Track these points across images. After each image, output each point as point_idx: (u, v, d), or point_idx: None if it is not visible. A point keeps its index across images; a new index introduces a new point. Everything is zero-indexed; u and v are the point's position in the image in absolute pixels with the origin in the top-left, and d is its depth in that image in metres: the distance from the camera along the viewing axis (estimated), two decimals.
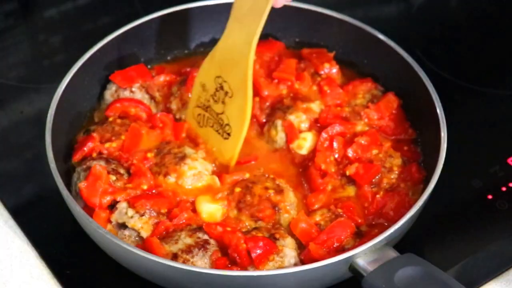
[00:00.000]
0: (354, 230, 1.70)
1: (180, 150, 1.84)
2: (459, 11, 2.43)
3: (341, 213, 1.74)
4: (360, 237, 1.69)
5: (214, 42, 2.07)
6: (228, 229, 1.68)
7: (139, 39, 2.04)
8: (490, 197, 1.86)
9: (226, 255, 1.65)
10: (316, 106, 1.93)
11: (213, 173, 1.84)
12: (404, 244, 1.68)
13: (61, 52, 2.27)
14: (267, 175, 1.81)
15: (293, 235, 1.71)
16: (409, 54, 1.93)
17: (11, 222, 1.85)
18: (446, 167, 1.70)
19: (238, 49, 1.77)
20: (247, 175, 1.81)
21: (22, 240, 1.82)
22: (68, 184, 1.78)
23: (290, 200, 1.77)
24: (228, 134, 1.83)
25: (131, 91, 1.96)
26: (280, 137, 1.90)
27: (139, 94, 1.96)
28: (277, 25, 2.09)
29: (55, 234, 1.82)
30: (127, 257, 1.63)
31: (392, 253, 1.58)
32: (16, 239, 1.82)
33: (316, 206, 1.78)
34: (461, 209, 1.86)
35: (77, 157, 1.82)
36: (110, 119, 1.90)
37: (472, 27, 2.34)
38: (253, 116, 1.95)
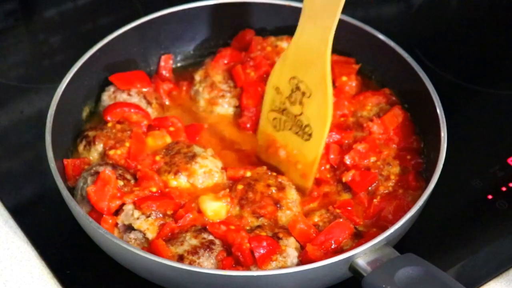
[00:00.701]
0: (352, 231, 1.69)
1: (189, 149, 1.83)
2: (459, 11, 2.43)
3: (339, 214, 1.73)
4: (359, 237, 1.68)
5: (215, 41, 2.09)
6: (232, 227, 1.68)
7: (140, 39, 2.04)
8: (490, 197, 1.86)
9: (232, 254, 1.65)
10: None
11: (222, 169, 1.84)
12: (404, 244, 1.68)
13: (61, 52, 2.27)
14: (270, 173, 1.81)
15: None
16: (409, 54, 1.93)
17: (11, 222, 1.85)
18: (446, 167, 1.70)
19: (313, 47, 1.71)
20: (248, 174, 1.81)
21: (22, 240, 1.82)
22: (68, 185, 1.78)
23: (292, 197, 1.77)
24: (309, 135, 1.77)
25: (129, 94, 1.95)
26: None
27: (136, 98, 1.95)
28: (275, 24, 2.09)
29: (55, 234, 1.82)
30: (127, 257, 1.63)
31: (392, 253, 1.57)
32: (16, 239, 1.82)
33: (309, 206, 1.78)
34: (461, 209, 1.86)
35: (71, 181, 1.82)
36: (109, 124, 1.88)
37: (472, 27, 2.34)
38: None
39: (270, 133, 1.85)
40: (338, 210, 1.74)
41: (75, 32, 2.32)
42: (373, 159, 1.82)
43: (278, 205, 1.74)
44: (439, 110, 1.80)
